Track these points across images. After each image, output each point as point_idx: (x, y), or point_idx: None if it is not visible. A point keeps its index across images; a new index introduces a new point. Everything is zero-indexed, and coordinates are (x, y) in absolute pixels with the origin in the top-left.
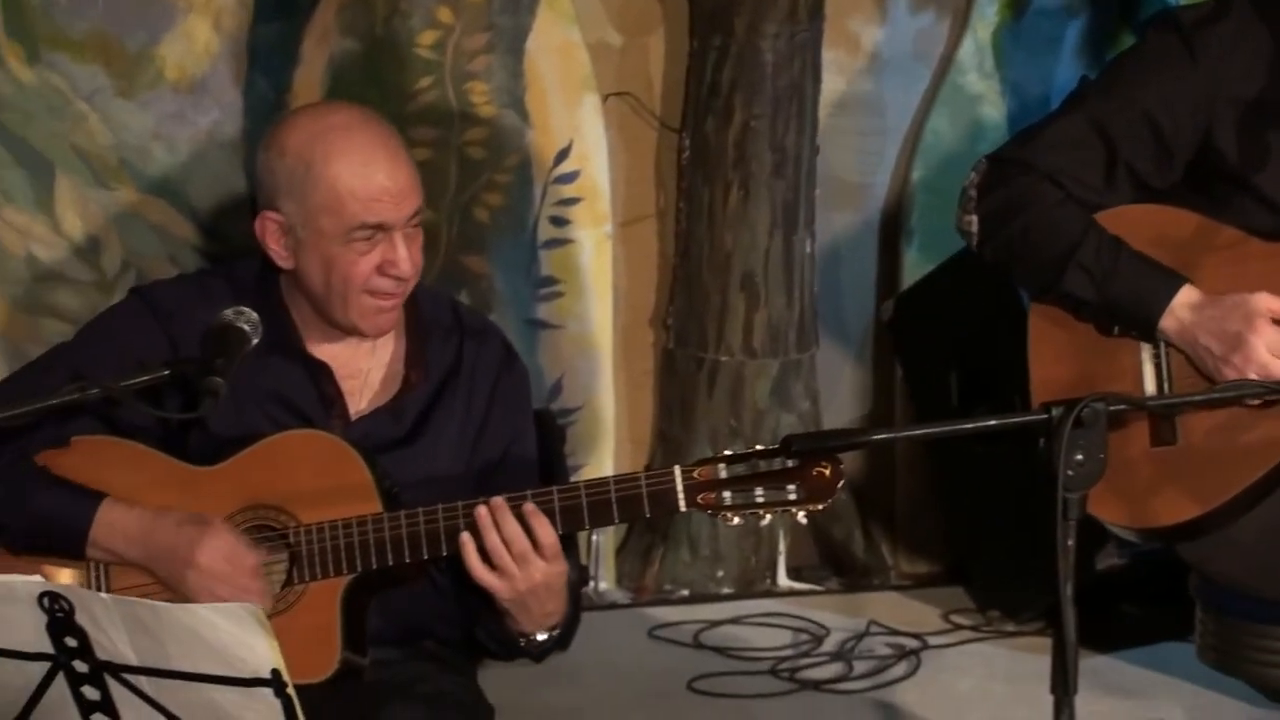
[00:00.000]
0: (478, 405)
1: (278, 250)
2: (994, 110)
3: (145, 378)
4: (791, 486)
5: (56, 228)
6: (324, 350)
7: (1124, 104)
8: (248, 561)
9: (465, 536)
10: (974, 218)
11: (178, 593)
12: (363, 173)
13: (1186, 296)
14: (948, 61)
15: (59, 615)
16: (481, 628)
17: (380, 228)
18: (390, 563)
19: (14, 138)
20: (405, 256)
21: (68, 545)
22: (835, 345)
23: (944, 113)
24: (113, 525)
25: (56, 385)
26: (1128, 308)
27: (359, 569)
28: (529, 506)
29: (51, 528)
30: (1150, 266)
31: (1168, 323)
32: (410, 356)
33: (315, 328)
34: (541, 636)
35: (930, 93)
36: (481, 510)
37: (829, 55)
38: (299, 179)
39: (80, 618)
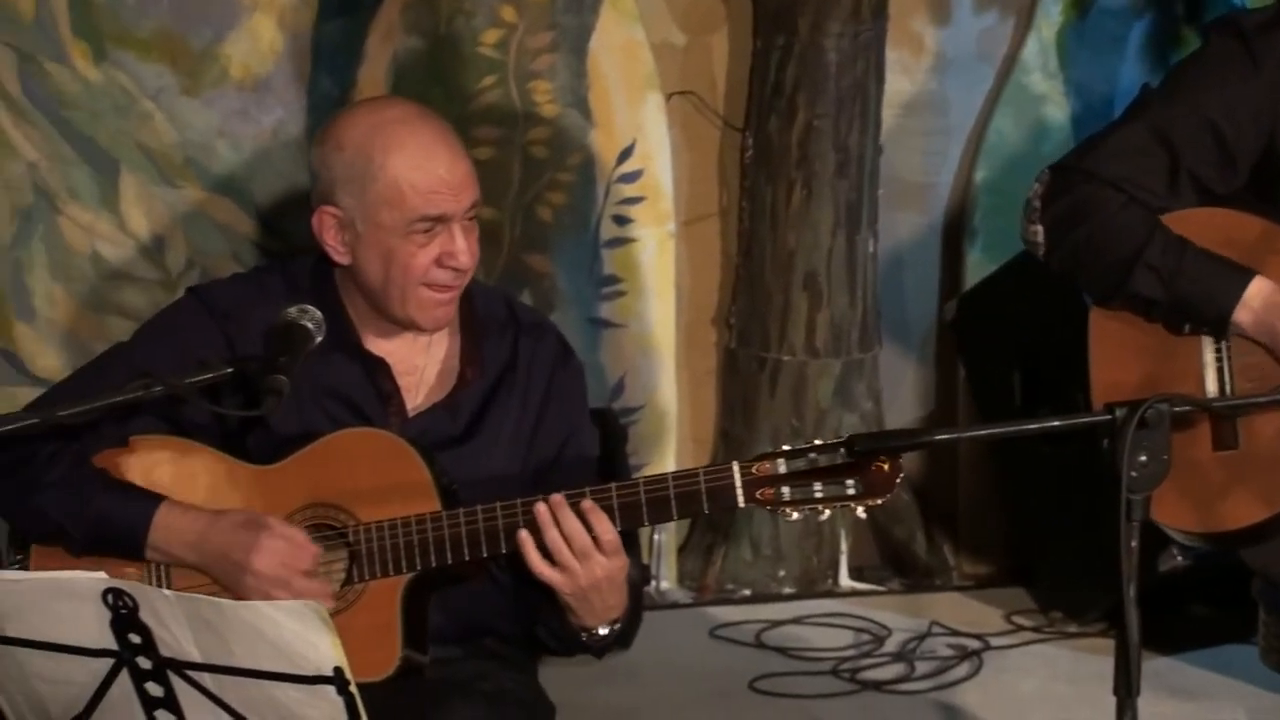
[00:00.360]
0: (533, 402)
1: (335, 245)
2: (1058, 110)
3: (209, 375)
4: (850, 481)
5: (122, 226)
6: (381, 346)
7: (1186, 111)
8: (303, 563)
9: (524, 534)
10: (1039, 227)
11: (235, 596)
12: (422, 165)
13: (1259, 288)
14: (1011, 61)
15: (123, 612)
16: (542, 624)
17: (440, 220)
18: (450, 561)
19: (80, 136)
20: (464, 248)
21: (126, 548)
22: (898, 345)
23: (1008, 113)
24: (170, 528)
25: (116, 385)
26: (1198, 304)
27: (418, 567)
28: (587, 503)
29: (110, 530)
30: (1218, 262)
31: (1241, 315)
32: (465, 353)
33: (371, 324)
34: (603, 631)
35: (994, 93)
36: (541, 507)
37: (893, 55)
38: (358, 172)
39: (144, 614)
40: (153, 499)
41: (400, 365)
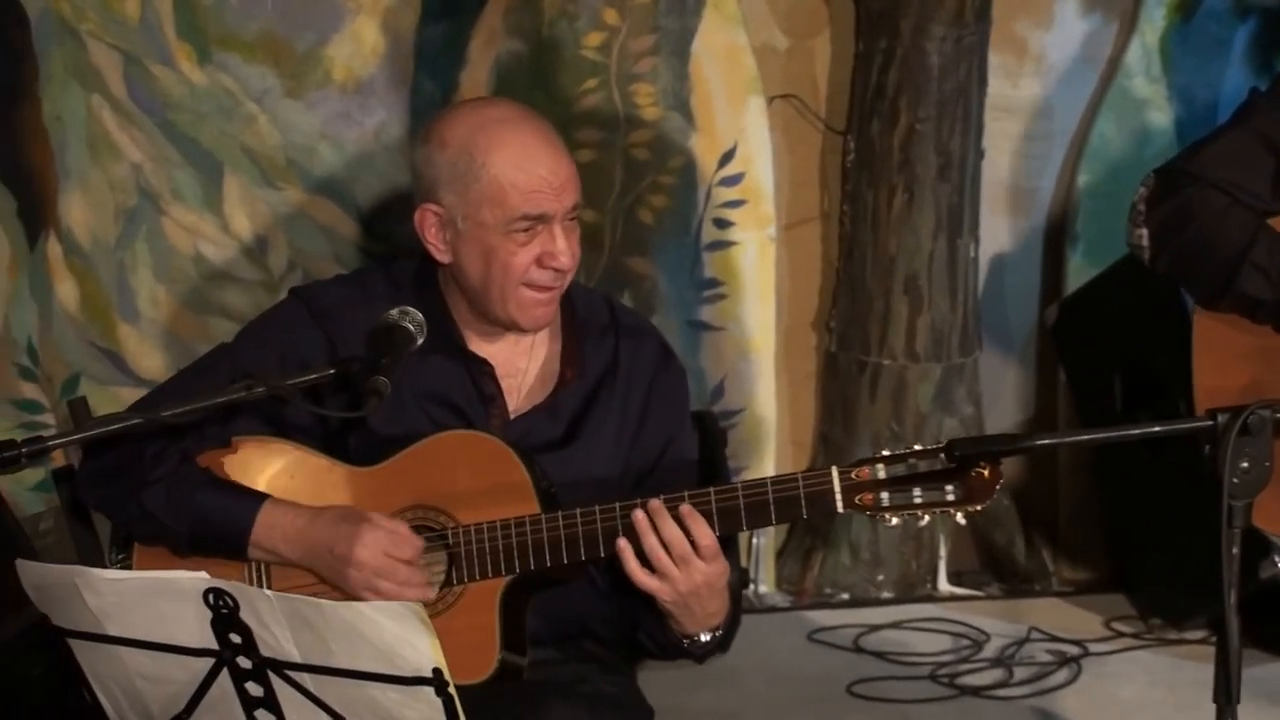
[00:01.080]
0: (634, 405)
1: (436, 243)
2: (1161, 115)
3: (311, 376)
4: (950, 487)
5: (225, 227)
6: (484, 348)
7: None
8: (405, 553)
9: (623, 542)
10: (1144, 231)
11: (339, 590)
12: (524, 165)
13: None
14: (1115, 65)
15: (224, 611)
16: (643, 631)
17: (540, 219)
18: (548, 564)
19: (184, 138)
20: (564, 249)
21: (230, 547)
22: (998, 350)
23: (1110, 117)
24: (273, 526)
25: (218, 385)
26: None
27: (517, 570)
28: (686, 508)
29: (214, 529)
30: None
31: None
32: (566, 355)
33: (474, 325)
34: (705, 637)
35: (1097, 97)
36: (639, 514)
37: (995, 58)
38: (460, 171)
39: (244, 614)
40: (256, 497)
41: (503, 367)
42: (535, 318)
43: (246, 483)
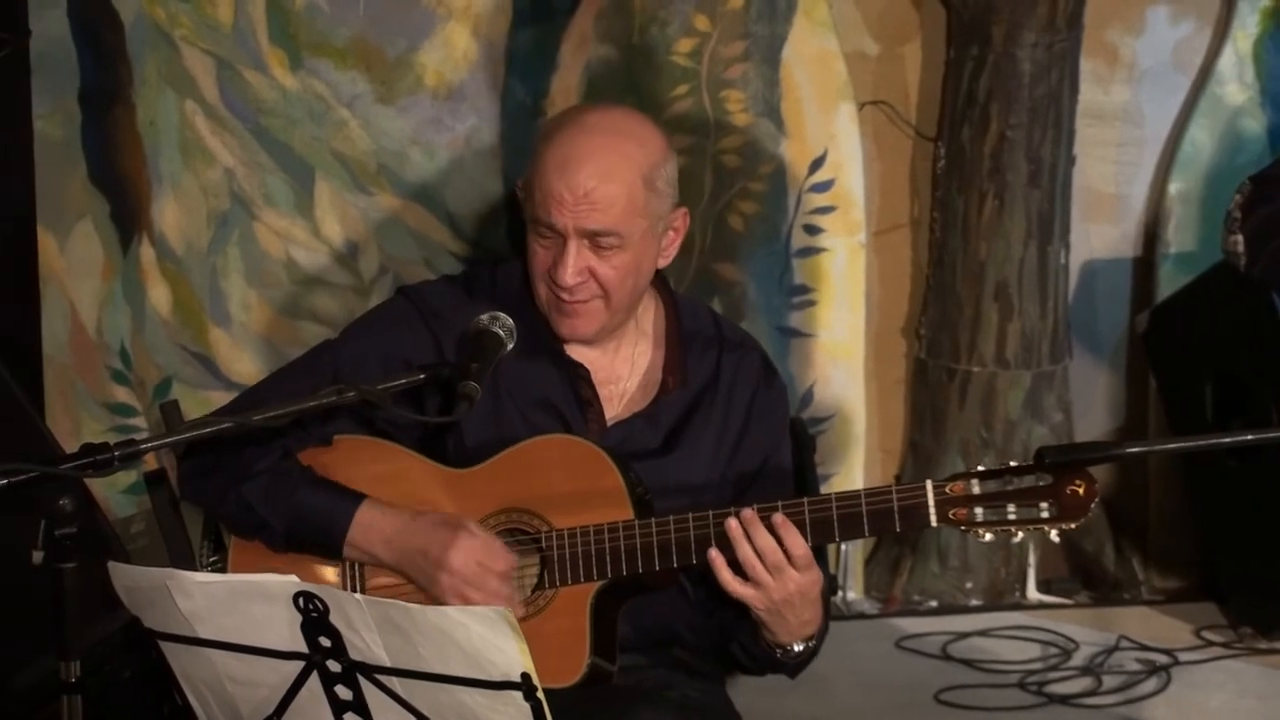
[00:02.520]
0: (734, 420)
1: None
2: (1254, 122)
3: (401, 381)
4: (1045, 504)
5: (316, 232)
6: (582, 354)
7: None
8: (498, 565)
9: (714, 552)
10: (1239, 237)
11: (429, 594)
12: (554, 170)
13: None
14: (1207, 72)
15: (314, 615)
16: (736, 642)
17: (551, 228)
18: (640, 570)
19: (276, 143)
20: (567, 266)
21: (326, 545)
22: (1089, 357)
23: (1203, 124)
24: (370, 526)
25: (321, 382)
26: None
27: (609, 575)
28: (779, 517)
29: (312, 526)
30: None
31: None
32: (669, 364)
33: None
34: (798, 647)
35: (1189, 103)
36: (732, 523)
37: (1087, 65)
38: (532, 153)
39: (334, 618)
40: (355, 496)
41: (600, 374)
42: (564, 324)
43: (345, 481)
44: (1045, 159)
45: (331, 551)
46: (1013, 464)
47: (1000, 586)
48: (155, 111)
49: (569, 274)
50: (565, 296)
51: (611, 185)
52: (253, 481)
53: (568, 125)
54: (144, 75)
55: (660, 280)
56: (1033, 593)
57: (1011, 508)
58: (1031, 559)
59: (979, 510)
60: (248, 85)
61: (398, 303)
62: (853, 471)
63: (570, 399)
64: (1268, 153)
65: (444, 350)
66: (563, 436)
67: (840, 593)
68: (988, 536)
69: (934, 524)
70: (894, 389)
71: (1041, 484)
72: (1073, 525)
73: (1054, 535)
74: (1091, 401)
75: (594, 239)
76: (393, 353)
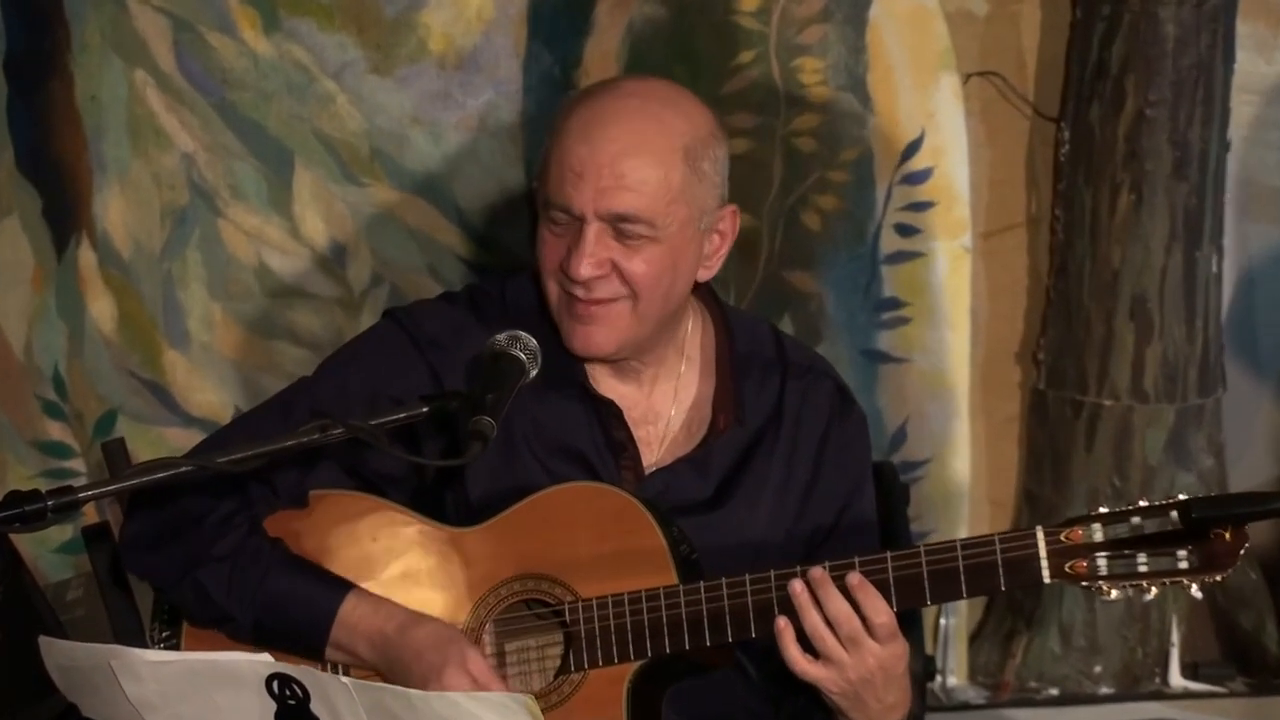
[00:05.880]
0: (802, 461)
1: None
2: None
3: (400, 415)
4: (1183, 552)
5: (294, 232)
6: (612, 387)
7: None
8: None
9: (782, 621)
10: None
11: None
12: (577, 134)
13: None
14: None
15: (291, 703)
16: None
17: (567, 211)
18: (687, 646)
19: (246, 122)
20: (584, 255)
21: (303, 644)
22: (1247, 388)
23: None
24: (355, 628)
25: (296, 428)
26: None
27: (649, 654)
28: (855, 578)
29: (285, 622)
30: None
31: None
32: (720, 398)
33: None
34: None
35: None
36: (797, 584)
37: (1245, 28)
38: (549, 129)
39: (316, 706)
40: (338, 587)
41: (635, 411)
42: (583, 337)
43: (325, 551)
44: (1193, 144)
45: (311, 652)
46: (1142, 504)
47: (1136, 670)
48: (98, 84)
49: (584, 264)
50: (580, 294)
51: (644, 159)
52: (213, 566)
53: (595, 90)
54: (84, 39)
55: (708, 293)
56: (1176, 679)
57: (1142, 558)
58: (1175, 636)
59: (1102, 561)
60: (212, 51)
61: (386, 329)
62: (955, 528)
63: (600, 442)
64: None
65: (444, 385)
66: (589, 485)
67: (939, 678)
68: (1113, 594)
69: (1047, 580)
70: (1006, 427)
71: (1179, 529)
72: (1218, 577)
73: (1195, 591)
74: (1250, 442)
75: (618, 225)
76: (381, 391)
